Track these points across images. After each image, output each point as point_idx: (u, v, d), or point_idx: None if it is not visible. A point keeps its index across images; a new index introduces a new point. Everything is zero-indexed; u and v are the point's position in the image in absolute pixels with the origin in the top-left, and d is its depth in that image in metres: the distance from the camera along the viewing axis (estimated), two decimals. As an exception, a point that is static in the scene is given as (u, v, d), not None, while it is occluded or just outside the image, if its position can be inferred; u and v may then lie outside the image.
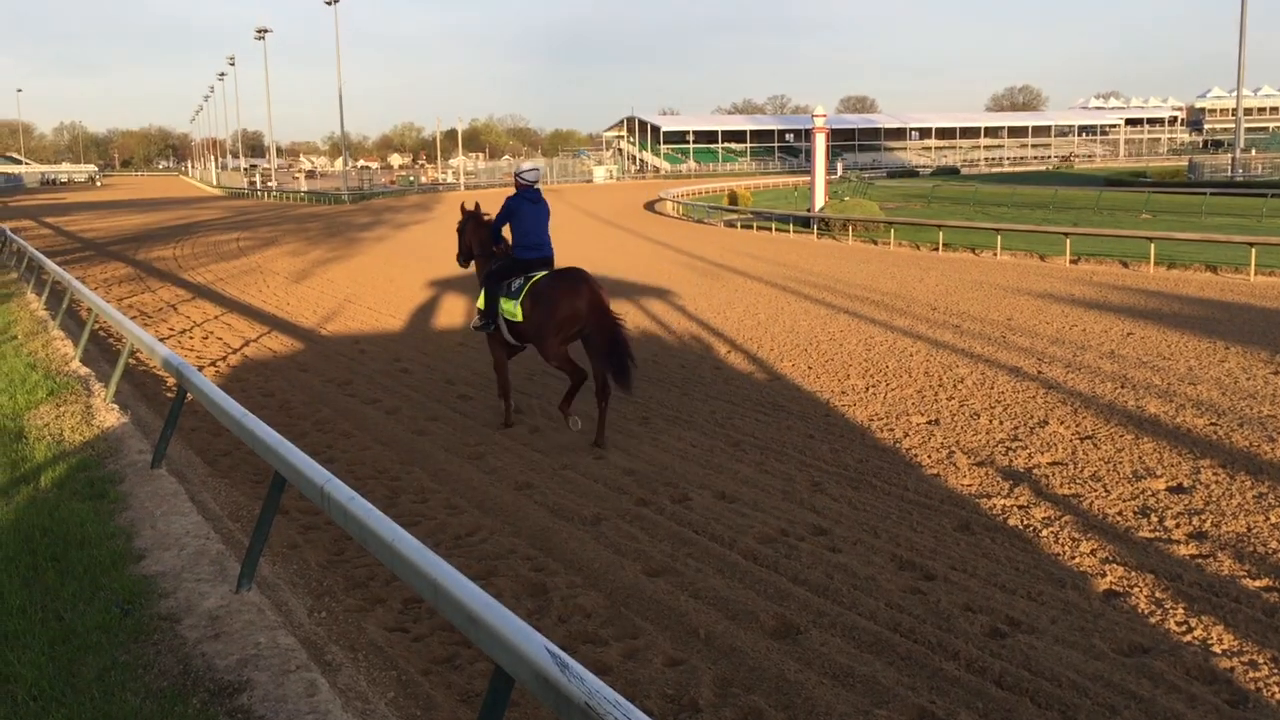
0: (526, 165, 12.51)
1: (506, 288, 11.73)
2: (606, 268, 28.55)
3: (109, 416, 11.56)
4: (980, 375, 14.28)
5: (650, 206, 67.05)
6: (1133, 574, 7.53)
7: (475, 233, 12.74)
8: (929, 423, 11.94)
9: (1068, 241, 29.37)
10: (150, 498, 8.84)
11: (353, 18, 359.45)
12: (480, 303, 12.19)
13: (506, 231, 12.30)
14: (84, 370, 14.19)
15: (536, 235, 11.80)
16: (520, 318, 11.49)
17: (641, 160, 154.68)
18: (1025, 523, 8.63)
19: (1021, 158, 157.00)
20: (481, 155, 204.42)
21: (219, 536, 7.96)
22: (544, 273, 11.62)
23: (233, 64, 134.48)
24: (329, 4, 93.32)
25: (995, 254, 30.94)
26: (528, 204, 11.83)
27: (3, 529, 7.97)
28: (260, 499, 7.78)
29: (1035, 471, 10.03)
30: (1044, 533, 8.39)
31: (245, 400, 11.13)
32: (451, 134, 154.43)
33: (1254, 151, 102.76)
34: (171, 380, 12.68)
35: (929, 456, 10.63)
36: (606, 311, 11.22)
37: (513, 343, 12.08)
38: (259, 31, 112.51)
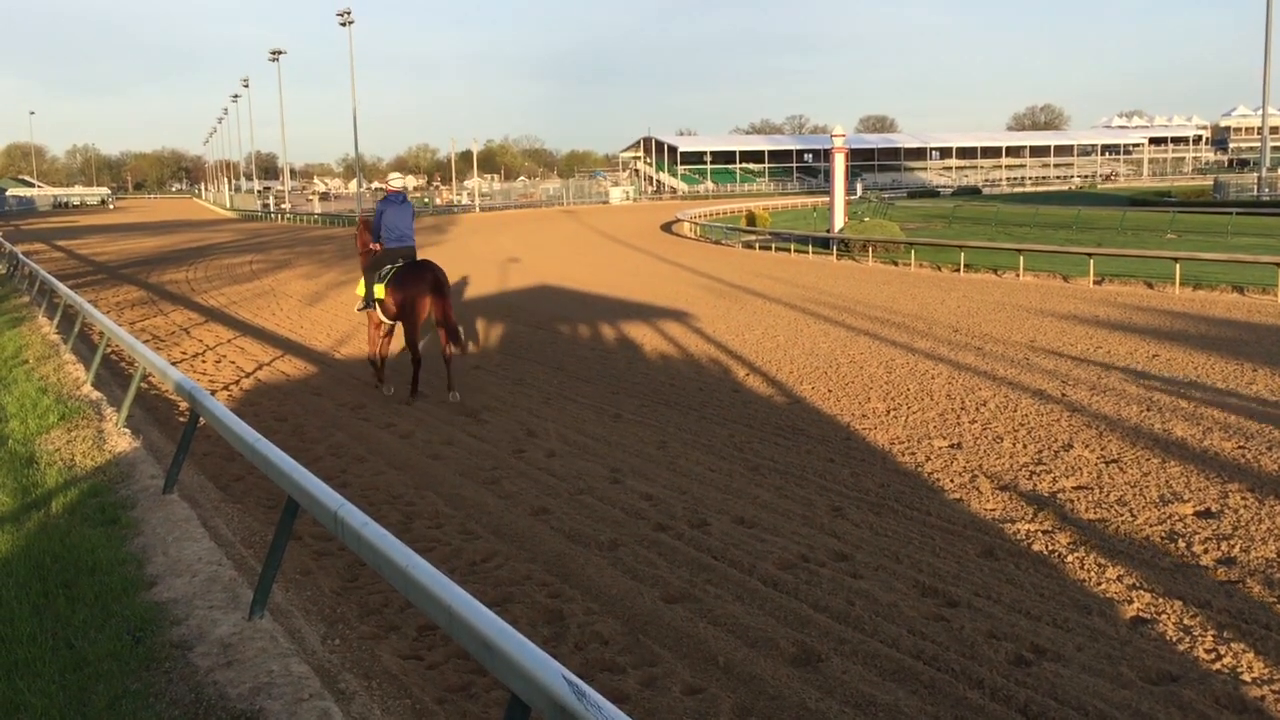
0: (393, 176, 18.79)
1: (378, 275, 15.42)
2: (623, 290, 28.61)
3: (121, 441, 11.60)
4: (1003, 398, 14.23)
5: (667, 228, 67.09)
6: (1160, 600, 7.48)
7: (362, 234, 16.32)
8: (951, 446, 11.89)
9: (1091, 262, 29.28)
10: (162, 523, 8.85)
11: (367, 39, 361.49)
12: (360, 289, 16.00)
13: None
14: (96, 394, 14.25)
15: (400, 230, 15.55)
16: (385, 298, 15.24)
17: (658, 181, 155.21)
18: (1050, 548, 8.58)
19: (1044, 177, 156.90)
20: (497, 177, 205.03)
21: (231, 563, 7.96)
22: (404, 263, 15.38)
23: (246, 86, 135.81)
24: (343, 25, 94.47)
25: (1018, 275, 30.86)
26: (394, 205, 15.65)
27: (13, 555, 7.99)
28: (273, 525, 7.77)
29: (1060, 496, 9.98)
30: (1069, 558, 8.33)
31: (258, 424, 11.16)
32: (466, 155, 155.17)
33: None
34: (184, 404, 12.73)
35: (951, 481, 10.58)
36: (445, 294, 15.15)
37: (384, 320, 15.58)
38: (273, 53, 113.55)
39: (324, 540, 8.91)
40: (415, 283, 15.04)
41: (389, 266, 15.34)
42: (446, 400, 14.86)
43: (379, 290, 15.31)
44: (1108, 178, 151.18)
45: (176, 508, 9.32)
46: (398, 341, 16.43)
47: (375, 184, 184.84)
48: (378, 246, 15.61)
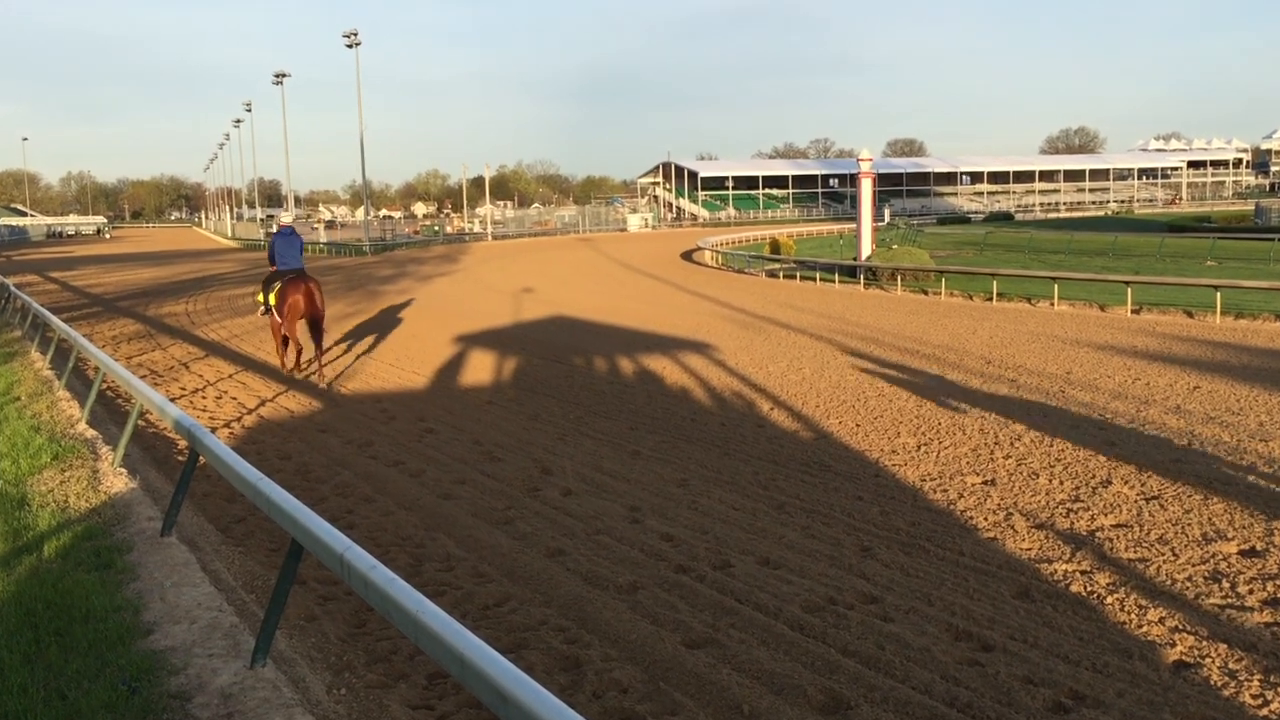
0: (283, 214, 24.31)
1: (270, 287, 21.32)
2: (641, 321, 28.61)
3: (117, 482, 11.55)
4: (1038, 432, 14.15)
5: (688, 256, 67.25)
6: (1204, 643, 7.39)
7: (268, 256, 21.80)
8: (985, 483, 11.82)
9: (1129, 290, 29.21)
10: (160, 568, 8.80)
11: (375, 61, 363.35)
12: (259, 297, 22.33)
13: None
14: (90, 433, 14.20)
15: (287, 258, 21.31)
16: (274, 304, 21.01)
17: (678, 208, 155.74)
18: (1089, 589, 8.50)
19: (1078, 202, 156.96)
20: (510, 203, 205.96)
21: (233, 608, 7.91)
22: (289, 278, 20.86)
23: (249, 110, 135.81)
24: (350, 47, 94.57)
25: (1052, 304, 30.78)
26: (283, 238, 21.45)
27: (4, 602, 7.94)
28: (276, 568, 7.75)
29: (1098, 534, 9.90)
30: (1109, 600, 8.25)
31: (261, 463, 11.17)
32: (478, 181, 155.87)
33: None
34: (183, 443, 12.69)
35: (985, 519, 10.51)
36: (316, 303, 20.72)
37: (279, 320, 20.91)
38: (277, 76, 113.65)
39: (330, 584, 8.89)
40: (293, 292, 20.58)
41: (278, 282, 21.12)
42: (471, 445, 14.80)
43: (271, 299, 21.32)
44: (1171, 202, 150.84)
45: (175, 551, 9.26)
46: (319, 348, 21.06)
47: (384, 212, 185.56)
48: (273, 268, 21.53)
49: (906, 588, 8.63)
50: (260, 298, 22.15)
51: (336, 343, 25.90)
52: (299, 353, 21.72)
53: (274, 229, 22.38)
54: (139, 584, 8.42)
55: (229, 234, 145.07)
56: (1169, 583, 8.58)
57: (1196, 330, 24.49)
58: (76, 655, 6.91)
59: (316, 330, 20.92)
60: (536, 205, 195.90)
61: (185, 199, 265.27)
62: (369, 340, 26.66)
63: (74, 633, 7.27)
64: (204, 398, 18.74)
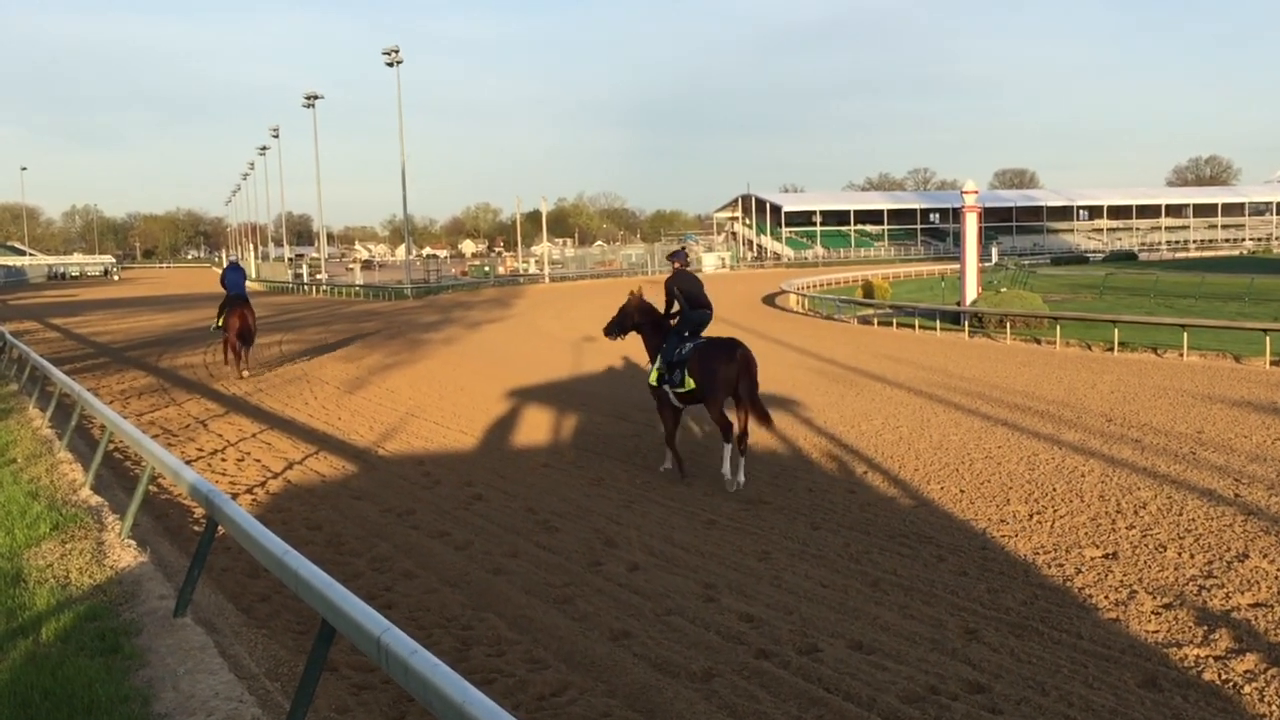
0: (231, 255, 51.17)
1: (220, 310, 31.60)
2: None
3: (125, 555, 11.46)
4: (1166, 499, 14.01)
5: (770, 300, 67.35)
6: (1361, 743, 7.27)
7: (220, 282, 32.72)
8: (1105, 556, 11.72)
9: (1267, 339, 28.84)
10: (173, 652, 8.75)
11: (417, 81, 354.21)
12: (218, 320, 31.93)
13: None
14: (96, 499, 14.13)
15: (234, 285, 31.51)
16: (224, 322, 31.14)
17: (759, 245, 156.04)
18: (1224, 677, 8.39)
19: (1210, 240, 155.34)
20: (570, 241, 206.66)
21: (255, 699, 7.89)
22: (234, 303, 30.69)
23: (276, 135, 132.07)
24: (390, 65, 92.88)
25: (1181, 354, 30.51)
26: (232, 270, 32.61)
27: (-3, 691, 7.86)
28: (304, 653, 7.77)
29: (1235, 614, 9.78)
30: (1246, 689, 8.15)
31: (288, 534, 11.22)
32: (534, 216, 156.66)
33: None
34: (200, 511, 12.76)
35: (1106, 597, 10.42)
36: (248, 320, 30.65)
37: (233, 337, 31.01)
38: (308, 98, 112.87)
39: (365, 671, 8.91)
40: (234, 312, 30.52)
41: (226, 307, 31.00)
42: (524, 514, 14.84)
43: (220, 321, 31.47)
44: None
45: (190, 634, 9.20)
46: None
47: (427, 250, 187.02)
48: (224, 291, 32.13)
49: (1017, 675, 8.57)
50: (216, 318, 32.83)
51: (375, 398, 26.10)
52: (238, 358, 31.20)
53: (225, 263, 37.20)
54: (149, 671, 8.37)
55: (253, 275, 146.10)
56: (1318, 672, 8.47)
57: (1348, 383, 24.14)
58: (79, 752, 6.87)
59: (244, 337, 31.18)
60: (600, 243, 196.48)
61: (204, 236, 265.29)
62: (409, 395, 26.76)
63: (76, 726, 7.25)
64: (224, 460, 18.72)
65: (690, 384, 16.21)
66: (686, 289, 17.29)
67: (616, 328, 18.69)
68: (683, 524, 13.67)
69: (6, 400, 24.36)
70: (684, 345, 16.68)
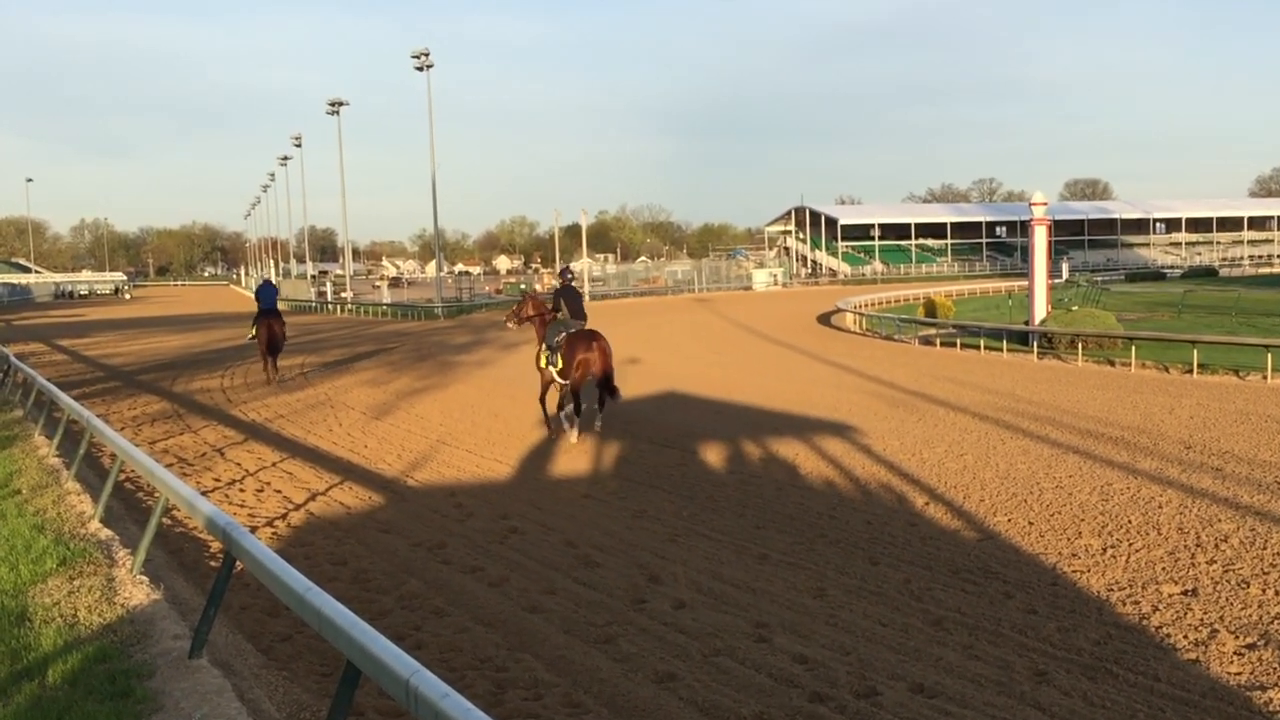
0: (265, 275, 47.57)
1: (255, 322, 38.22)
2: (770, 398, 28.57)
3: (136, 592, 11.37)
4: (1249, 532, 13.92)
5: (825, 319, 67.31)
6: None
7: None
8: (1184, 593, 11.65)
9: (1361, 359, 28.59)
10: (188, 696, 8.67)
11: (449, 87, 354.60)
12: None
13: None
14: (105, 533, 14.05)
15: (268, 301, 37.53)
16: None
17: (813, 261, 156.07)
18: (1314, 725, 8.33)
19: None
20: (611, 256, 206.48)
21: (277, 746, 7.90)
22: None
23: (299, 145, 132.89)
24: (420, 69, 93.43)
25: (1265, 377, 30.28)
26: (263, 288, 38.95)
27: (-1, 737, 7.80)
28: (328, 697, 7.79)
29: (1326, 658, 9.70)
30: (1339, 739, 8.08)
31: (311, 570, 11.24)
32: (573, 230, 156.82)
33: None
34: (216, 545, 12.78)
35: (1185, 636, 10.36)
36: (277, 332, 36.83)
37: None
38: (332, 105, 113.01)
39: (393, 716, 8.92)
40: (263, 324, 36.28)
41: (258, 319, 37.01)
42: (563, 548, 14.87)
43: (254, 332, 37.07)
44: None
45: (206, 676, 9.12)
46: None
47: (459, 266, 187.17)
48: (257, 306, 38.06)
49: (1090, 721, 8.53)
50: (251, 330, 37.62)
51: (403, 425, 26.17)
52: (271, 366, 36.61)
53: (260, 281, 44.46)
54: (162, 716, 8.32)
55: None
56: None
57: None
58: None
59: (275, 350, 36.60)
60: (643, 259, 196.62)
61: (221, 252, 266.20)
62: (440, 421, 26.76)
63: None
64: (242, 490, 18.73)
65: (560, 364, 22.85)
66: (568, 300, 24.24)
67: (514, 318, 25.36)
68: (732, 559, 13.67)
69: (10, 427, 24.29)
70: (560, 334, 23.39)
